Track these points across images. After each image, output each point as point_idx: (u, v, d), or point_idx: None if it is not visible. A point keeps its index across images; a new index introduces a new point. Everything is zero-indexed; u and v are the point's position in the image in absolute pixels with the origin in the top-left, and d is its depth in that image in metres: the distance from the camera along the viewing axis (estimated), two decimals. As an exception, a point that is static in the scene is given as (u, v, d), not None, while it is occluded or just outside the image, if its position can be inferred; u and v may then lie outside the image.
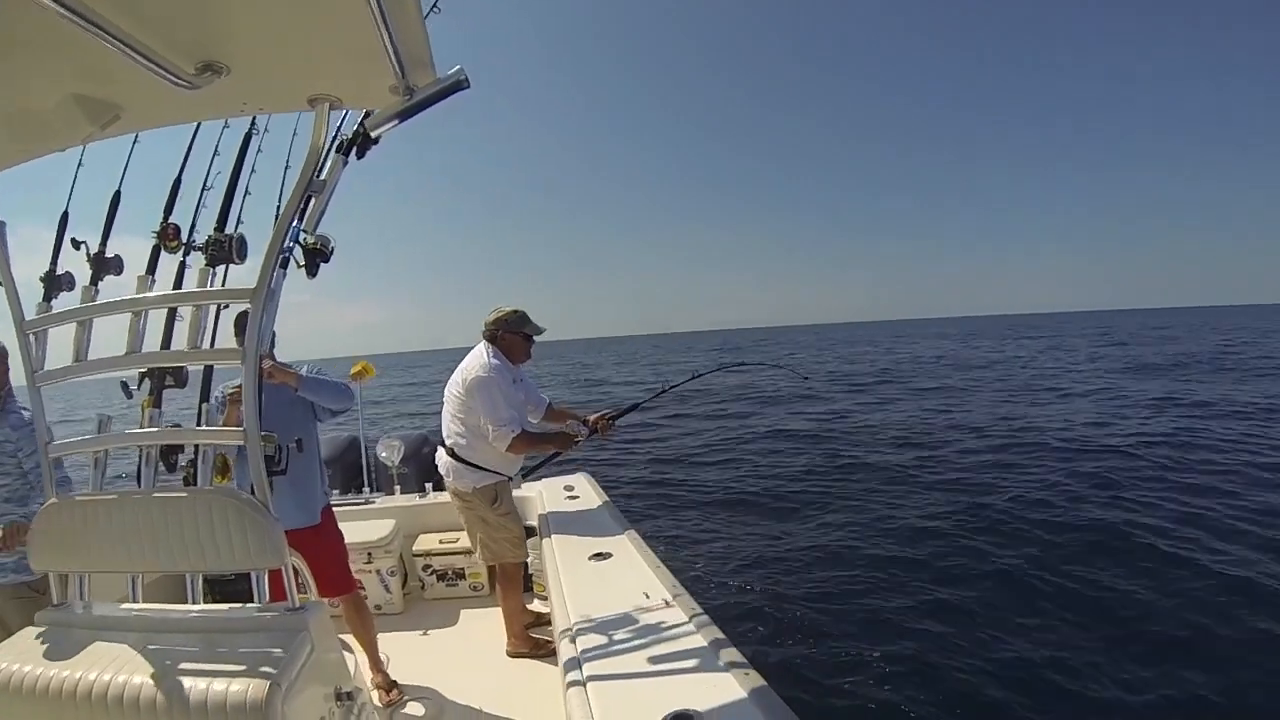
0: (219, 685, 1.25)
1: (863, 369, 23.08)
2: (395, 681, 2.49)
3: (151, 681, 1.28)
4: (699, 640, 1.64)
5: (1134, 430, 9.47)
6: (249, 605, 1.52)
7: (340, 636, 1.60)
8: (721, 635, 1.65)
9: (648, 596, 1.92)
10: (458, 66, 1.31)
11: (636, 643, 1.66)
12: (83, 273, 1.69)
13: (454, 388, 2.76)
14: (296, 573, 1.52)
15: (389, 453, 3.79)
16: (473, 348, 2.85)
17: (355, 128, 1.47)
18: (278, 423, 1.64)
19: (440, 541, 3.41)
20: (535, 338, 2.86)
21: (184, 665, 1.32)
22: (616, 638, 1.70)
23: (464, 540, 3.13)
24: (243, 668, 1.30)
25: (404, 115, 1.36)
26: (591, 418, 2.91)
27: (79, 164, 1.76)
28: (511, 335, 2.79)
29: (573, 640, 1.72)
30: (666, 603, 1.88)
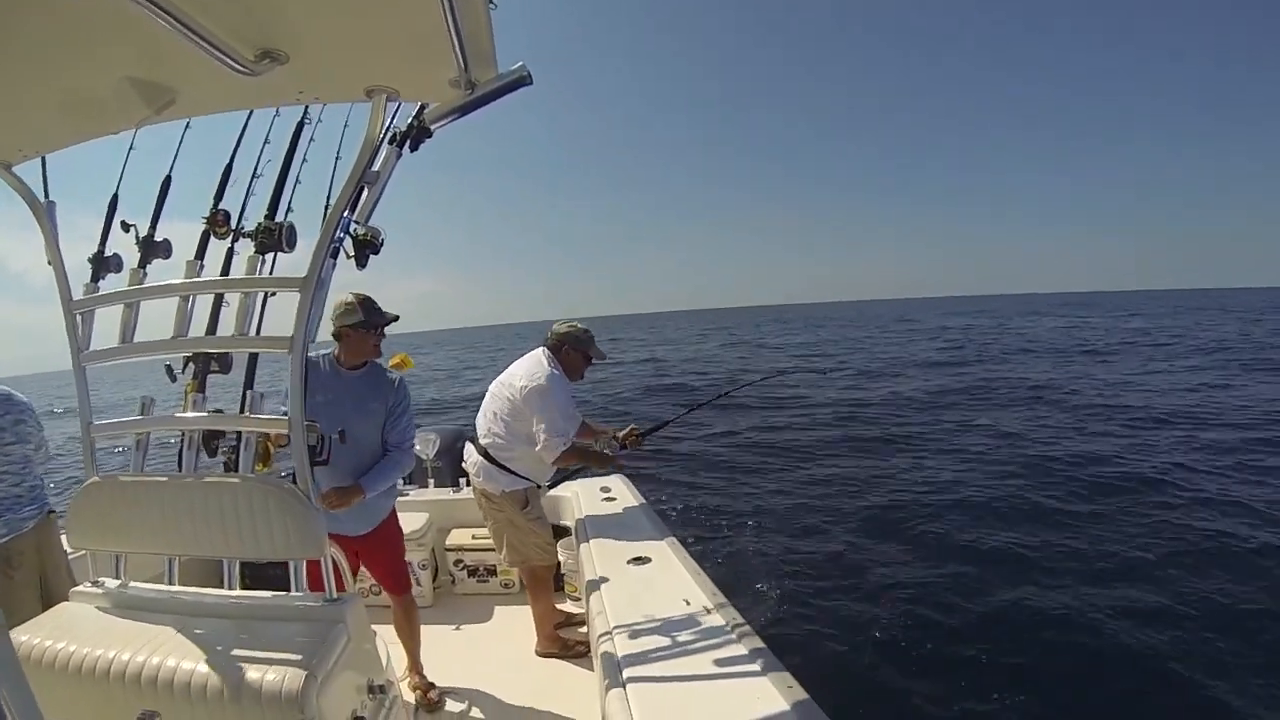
0: (255, 672, 1.25)
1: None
2: (433, 683, 2.47)
3: (188, 664, 1.28)
4: (740, 649, 1.61)
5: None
6: (287, 594, 1.52)
7: (374, 627, 1.60)
8: (762, 645, 1.62)
9: (688, 603, 1.89)
10: (520, 63, 1.29)
11: (676, 649, 1.64)
12: (130, 256, 1.71)
13: (505, 389, 2.69)
14: (335, 565, 1.51)
15: (423, 446, 3.74)
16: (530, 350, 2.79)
17: (411, 120, 1.46)
18: (321, 414, 1.63)
19: (473, 537, 3.38)
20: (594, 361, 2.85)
21: (221, 650, 1.32)
22: (656, 643, 1.68)
23: None
24: (279, 656, 1.30)
25: (465, 110, 1.35)
26: (621, 434, 2.92)
27: (130, 147, 1.76)
28: (575, 353, 2.77)
29: (612, 644, 1.70)
30: (707, 609, 1.86)
